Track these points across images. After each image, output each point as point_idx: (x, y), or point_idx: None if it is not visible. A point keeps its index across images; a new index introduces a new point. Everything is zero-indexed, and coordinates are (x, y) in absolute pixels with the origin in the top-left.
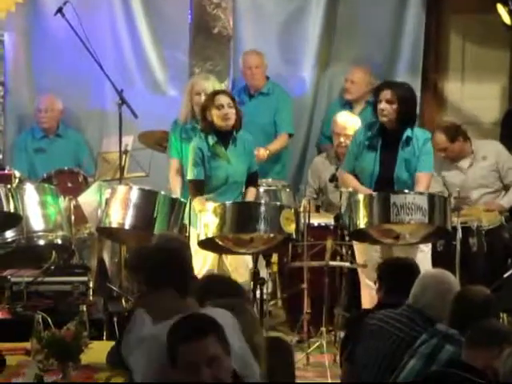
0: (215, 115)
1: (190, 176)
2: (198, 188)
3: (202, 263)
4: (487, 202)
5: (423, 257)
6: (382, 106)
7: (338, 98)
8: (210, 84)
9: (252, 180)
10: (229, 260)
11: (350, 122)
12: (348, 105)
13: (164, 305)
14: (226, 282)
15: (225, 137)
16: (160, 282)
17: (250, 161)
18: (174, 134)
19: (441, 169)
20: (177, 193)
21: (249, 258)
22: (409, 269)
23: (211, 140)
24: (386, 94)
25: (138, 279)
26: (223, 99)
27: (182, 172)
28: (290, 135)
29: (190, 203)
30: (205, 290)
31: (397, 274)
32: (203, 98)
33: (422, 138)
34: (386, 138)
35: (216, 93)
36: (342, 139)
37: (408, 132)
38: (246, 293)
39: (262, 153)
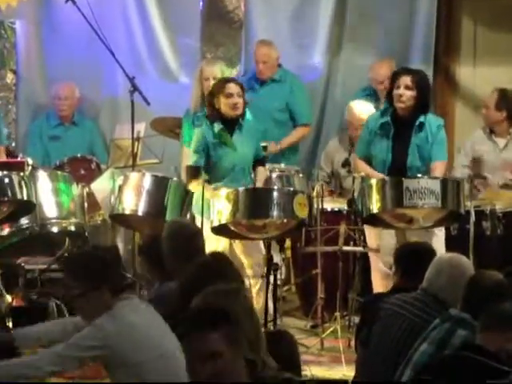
0: (223, 103)
1: (189, 161)
2: (194, 174)
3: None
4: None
5: (437, 241)
6: (401, 91)
7: (363, 89)
8: (218, 68)
9: (259, 161)
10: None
11: (365, 113)
12: (373, 96)
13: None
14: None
15: (231, 124)
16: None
17: (255, 146)
18: (186, 123)
19: (474, 143)
20: None
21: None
22: (426, 253)
23: (217, 127)
24: (406, 79)
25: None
26: (233, 88)
27: None
28: (308, 124)
29: (203, 192)
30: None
31: (414, 259)
32: (212, 82)
33: (435, 124)
34: (399, 125)
35: (227, 80)
36: (359, 132)
37: (421, 118)
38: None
39: (274, 149)
